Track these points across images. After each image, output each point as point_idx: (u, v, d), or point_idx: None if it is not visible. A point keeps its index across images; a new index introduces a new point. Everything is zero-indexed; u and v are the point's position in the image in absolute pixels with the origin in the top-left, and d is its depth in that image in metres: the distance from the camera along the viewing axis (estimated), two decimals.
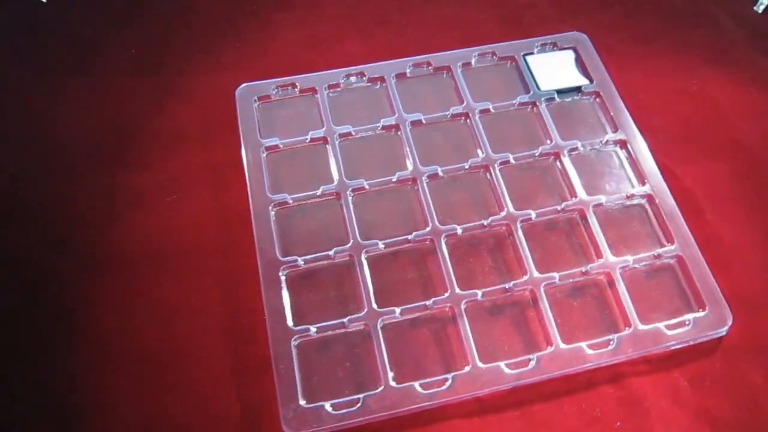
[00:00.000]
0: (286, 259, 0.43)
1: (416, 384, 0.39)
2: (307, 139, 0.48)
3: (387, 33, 0.56)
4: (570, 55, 0.54)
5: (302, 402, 0.39)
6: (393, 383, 0.39)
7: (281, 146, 0.48)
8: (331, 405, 0.39)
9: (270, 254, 0.43)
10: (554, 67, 0.53)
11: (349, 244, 0.44)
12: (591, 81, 0.52)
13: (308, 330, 0.41)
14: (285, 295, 0.42)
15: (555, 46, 0.54)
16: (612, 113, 0.50)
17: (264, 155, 0.47)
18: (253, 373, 0.40)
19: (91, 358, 0.41)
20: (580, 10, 0.58)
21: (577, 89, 0.52)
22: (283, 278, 0.42)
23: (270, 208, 0.45)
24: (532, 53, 0.53)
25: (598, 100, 0.52)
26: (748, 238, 0.46)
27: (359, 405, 0.38)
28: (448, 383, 0.39)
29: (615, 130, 0.50)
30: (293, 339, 0.40)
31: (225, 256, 0.44)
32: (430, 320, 0.42)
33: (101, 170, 0.48)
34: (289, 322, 0.41)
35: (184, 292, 0.43)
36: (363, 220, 0.45)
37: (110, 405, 0.39)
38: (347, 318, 0.41)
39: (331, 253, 0.43)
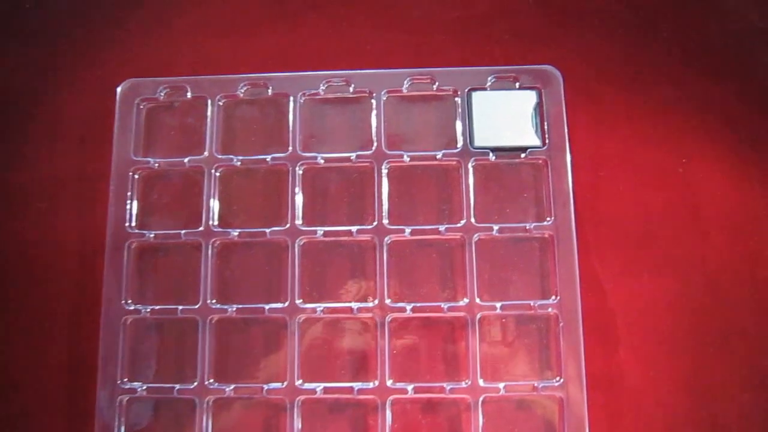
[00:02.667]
0: (130, 308, 0.43)
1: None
2: (184, 163, 0.45)
3: (318, 33, 0.47)
4: (530, 98, 0.44)
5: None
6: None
7: (156, 167, 0.45)
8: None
9: (115, 299, 0.42)
10: (503, 113, 0.44)
11: (197, 305, 0.42)
12: (544, 142, 0.44)
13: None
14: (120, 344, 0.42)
15: (515, 80, 0.45)
16: (552, 193, 0.43)
17: (134, 176, 0.45)
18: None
19: None
20: (571, 32, 0.46)
21: (521, 150, 0.44)
22: (124, 326, 0.42)
23: (127, 243, 0.43)
24: (483, 88, 0.45)
25: (544, 169, 0.44)
26: (656, 393, 0.41)
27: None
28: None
29: (548, 216, 0.43)
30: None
31: (79, 287, 0.44)
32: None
33: None
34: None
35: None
36: (222, 277, 0.43)
37: None
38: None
39: (179, 308, 0.43)
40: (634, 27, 0.47)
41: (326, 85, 0.45)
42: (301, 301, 0.42)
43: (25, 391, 0.43)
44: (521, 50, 0.46)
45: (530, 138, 0.44)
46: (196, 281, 0.43)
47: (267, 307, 0.42)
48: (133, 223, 0.44)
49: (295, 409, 0.41)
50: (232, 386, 0.41)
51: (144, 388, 0.42)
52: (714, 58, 0.46)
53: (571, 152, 0.43)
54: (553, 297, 0.42)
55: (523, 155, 0.43)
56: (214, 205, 0.44)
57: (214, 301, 0.43)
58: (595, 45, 0.46)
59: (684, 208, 0.43)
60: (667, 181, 0.44)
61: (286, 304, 0.42)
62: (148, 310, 0.43)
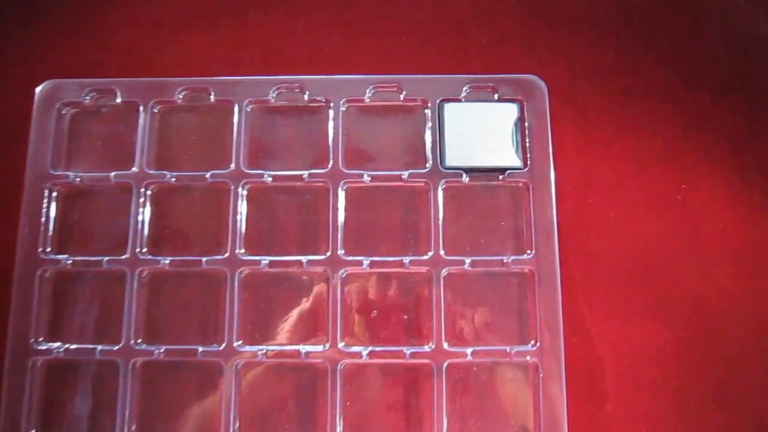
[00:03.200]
0: (41, 347, 0.36)
1: None
2: (110, 178, 0.39)
3: (269, 32, 0.41)
4: (511, 111, 0.39)
5: None
6: None
7: (77, 182, 0.39)
8: None
9: (24, 337, 0.37)
10: (479, 129, 0.39)
11: (119, 346, 0.37)
12: (525, 163, 0.39)
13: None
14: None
15: (494, 91, 0.40)
16: (534, 222, 0.38)
17: (52, 192, 0.38)
18: None
19: None
20: (557, 38, 0.41)
21: (499, 171, 0.39)
22: (33, 369, 0.36)
23: (40, 271, 0.37)
24: (457, 100, 0.39)
25: (525, 195, 0.38)
26: None
27: None
28: None
29: (528, 248, 0.38)
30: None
31: None
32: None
33: None
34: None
35: None
36: (149, 313, 0.38)
37: None
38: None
39: (97, 349, 0.37)
40: (628, 34, 0.42)
41: (277, 92, 0.39)
42: (240, 342, 0.37)
43: None
44: (501, 57, 0.41)
45: (509, 158, 0.38)
46: (118, 317, 0.37)
47: (200, 349, 0.36)
48: (48, 248, 0.38)
49: None
50: None
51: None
52: (718, 70, 0.41)
53: (556, 175, 0.38)
54: (533, 342, 0.36)
55: (501, 177, 0.38)
56: (144, 228, 0.38)
57: (139, 341, 0.37)
58: (585, 53, 0.41)
59: (683, 240, 0.38)
60: (665, 210, 0.39)
61: (223, 346, 0.36)
62: (62, 350, 0.37)
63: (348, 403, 0.36)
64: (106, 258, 0.37)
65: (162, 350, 0.37)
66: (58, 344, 0.37)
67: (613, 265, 0.38)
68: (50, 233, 0.38)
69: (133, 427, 0.36)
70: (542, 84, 0.39)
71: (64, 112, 0.40)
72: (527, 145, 0.38)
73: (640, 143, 0.40)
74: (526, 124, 0.39)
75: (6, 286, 0.37)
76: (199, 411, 0.37)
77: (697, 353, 0.37)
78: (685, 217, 0.39)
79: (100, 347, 0.37)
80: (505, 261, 0.37)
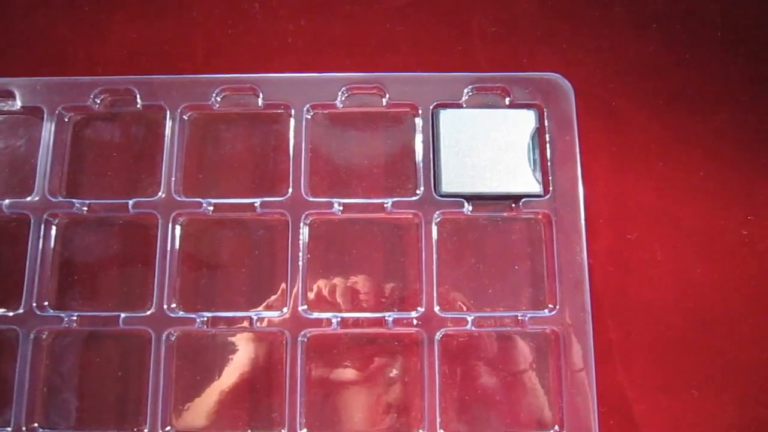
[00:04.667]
0: None
1: None
2: (2, 208, 0.31)
3: (212, 19, 0.33)
4: (526, 120, 0.31)
5: None
6: None
7: None
8: None
9: None
10: (484, 143, 0.31)
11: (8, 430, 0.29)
12: (546, 189, 0.31)
13: None
14: None
15: (504, 94, 0.32)
16: (558, 265, 0.30)
17: None
18: None
19: None
20: (585, 28, 0.33)
21: (512, 199, 0.31)
22: None
23: None
24: (457, 105, 0.31)
25: (546, 230, 0.31)
26: None
27: None
28: None
29: (551, 302, 0.30)
30: None
31: None
32: None
33: None
34: None
35: None
36: (51, 386, 0.29)
37: None
38: None
39: None
40: (674, 21, 0.33)
41: (222, 95, 0.32)
42: (169, 428, 0.29)
43: None
44: (514, 50, 0.33)
45: (525, 182, 0.30)
46: (7, 391, 0.28)
47: None
48: None
49: None
50: None
51: None
52: None
53: (585, 203, 0.30)
54: (557, 428, 0.29)
55: (514, 207, 0.30)
56: (44, 273, 0.30)
57: (35, 425, 0.28)
58: (620, 46, 0.33)
59: (751, 290, 0.30)
60: (726, 249, 0.31)
61: None
62: None
63: None
64: None
65: None
66: None
67: (660, 324, 0.30)
68: None
69: None
70: (567, 85, 0.31)
71: None
72: (548, 164, 0.31)
73: (692, 162, 0.32)
74: (547, 136, 0.31)
75: None
76: None
77: None
78: (753, 259, 0.31)
79: None
80: (520, 318, 0.29)
